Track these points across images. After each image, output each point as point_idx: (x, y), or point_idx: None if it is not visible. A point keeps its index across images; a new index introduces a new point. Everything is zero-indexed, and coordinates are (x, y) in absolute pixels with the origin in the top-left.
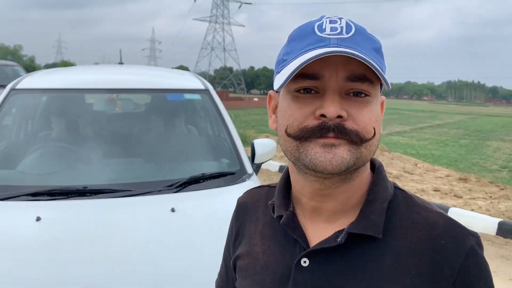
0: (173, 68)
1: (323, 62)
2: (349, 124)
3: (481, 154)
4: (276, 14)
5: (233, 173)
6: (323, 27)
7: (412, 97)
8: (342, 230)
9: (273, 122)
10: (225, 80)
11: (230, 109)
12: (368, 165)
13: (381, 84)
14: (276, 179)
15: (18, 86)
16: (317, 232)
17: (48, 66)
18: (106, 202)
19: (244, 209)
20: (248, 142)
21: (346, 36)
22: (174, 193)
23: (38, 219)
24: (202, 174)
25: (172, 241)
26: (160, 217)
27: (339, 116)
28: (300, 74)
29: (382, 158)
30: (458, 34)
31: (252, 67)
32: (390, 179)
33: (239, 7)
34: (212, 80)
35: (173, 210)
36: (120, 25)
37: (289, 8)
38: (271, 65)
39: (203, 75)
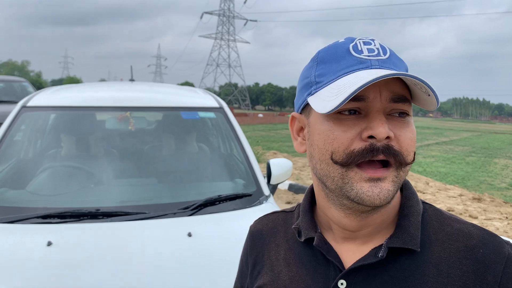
0: (178, 84)
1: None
2: (395, 145)
3: (488, 172)
4: (282, 31)
5: (249, 195)
6: (359, 48)
7: (417, 114)
8: (380, 245)
9: (300, 145)
10: (230, 96)
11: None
12: None
13: None
14: (285, 197)
15: (29, 104)
16: (350, 253)
17: (54, 82)
18: (119, 226)
19: (259, 237)
20: (262, 161)
21: (384, 57)
22: (190, 216)
23: (49, 243)
24: (218, 196)
25: (190, 267)
26: (176, 242)
27: (387, 137)
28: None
29: None
30: (462, 52)
31: (257, 83)
32: None
33: (245, 24)
34: (217, 96)
35: (189, 234)
36: (126, 42)
37: (294, 25)
38: (276, 81)
39: (208, 91)
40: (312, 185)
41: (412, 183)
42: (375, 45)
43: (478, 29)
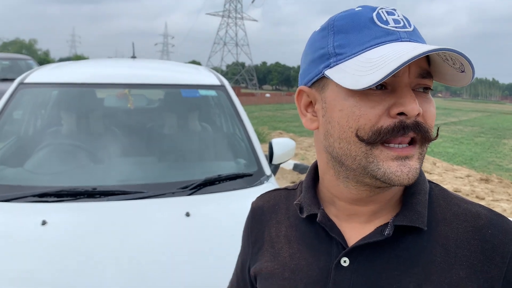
0: (185, 63)
1: None
2: (423, 121)
3: (497, 153)
4: (290, 9)
5: (250, 175)
6: (384, 18)
7: None
8: (386, 224)
9: (311, 121)
10: (237, 75)
11: (241, 105)
12: None
13: None
14: (290, 177)
15: (26, 80)
16: (354, 231)
17: (62, 60)
18: (116, 205)
19: (260, 214)
20: (261, 140)
21: (410, 29)
22: (189, 196)
23: (44, 222)
24: (218, 175)
25: (186, 247)
26: (174, 222)
27: (417, 114)
28: None
29: None
30: (474, 31)
31: (264, 63)
32: None
33: (252, 1)
34: (224, 75)
35: (188, 214)
36: (134, 20)
37: (303, 3)
38: (284, 61)
39: (215, 70)
40: (315, 162)
41: None
42: (399, 16)
43: (489, 8)
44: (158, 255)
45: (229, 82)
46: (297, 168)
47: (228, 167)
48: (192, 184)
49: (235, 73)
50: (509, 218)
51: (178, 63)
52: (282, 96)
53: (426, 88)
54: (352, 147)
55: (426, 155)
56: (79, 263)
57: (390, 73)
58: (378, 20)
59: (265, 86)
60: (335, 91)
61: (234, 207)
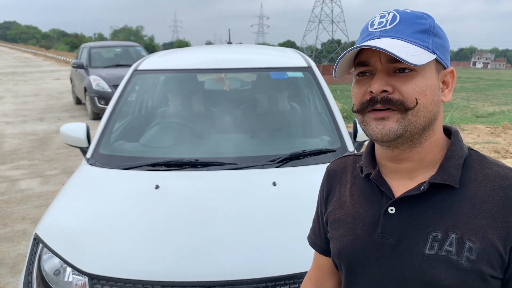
0: (280, 43)
1: (370, 51)
2: (395, 96)
3: None
4: None
5: (333, 151)
6: (374, 22)
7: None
8: (424, 182)
9: None
10: (332, 53)
11: (336, 83)
12: (437, 129)
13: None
14: None
15: (140, 67)
16: (400, 187)
17: (165, 45)
18: (215, 174)
19: (333, 175)
20: (352, 118)
21: (389, 27)
22: (276, 168)
23: (157, 187)
24: (303, 150)
25: (273, 211)
26: (263, 190)
27: (384, 91)
28: (358, 62)
29: (505, 136)
30: None
31: None
32: None
33: None
34: (319, 54)
35: (274, 184)
36: (231, 3)
37: None
38: None
39: (310, 49)
40: None
41: None
42: (387, 17)
43: None
44: (250, 215)
45: (324, 61)
46: None
47: (313, 143)
48: (279, 158)
49: (330, 51)
50: None
51: (268, 46)
52: None
53: (403, 69)
54: (356, 117)
55: None
56: (185, 219)
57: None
58: (370, 25)
59: None
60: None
61: (316, 179)
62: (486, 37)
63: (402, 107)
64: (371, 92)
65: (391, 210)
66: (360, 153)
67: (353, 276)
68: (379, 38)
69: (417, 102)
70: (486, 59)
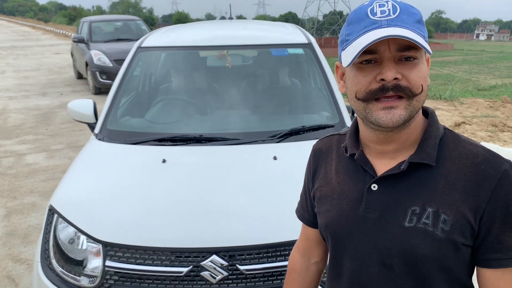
0: (281, 15)
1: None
2: (403, 83)
3: None
4: None
5: (332, 126)
6: (375, 11)
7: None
8: (404, 161)
9: (342, 87)
10: (334, 25)
11: (335, 57)
12: (420, 111)
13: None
14: None
15: (143, 45)
16: (382, 166)
17: (165, 17)
18: (218, 149)
19: (319, 153)
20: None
21: (393, 16)
22: (277, 143)
23: (164, 161)
24: (302, 126)
25: (273, 183)
26: (264, 163)
27: (395, 78)
28: (365, 50)
29: (504, 109)
30: None
31: None
32: None
33: None
34: (320, 25)
35: (275, 158)
36: None
37: None
38: None
39: (312, 21)
40: None
41: None
42: (387, 6)
43: None
44: (252, 187)
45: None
46: None
47: (312, 119)
48: (280, 133)
49: (332, 23)
50: (505, 158)
51: (270, 22)
52: None
53: (409, 57)
54: (355, 104)
55: None
56: (192, 190)
57: (357, 54)
58: (370, 13)
59: None
60: (348, 67)
61: None
62: (490, 8)
63: (410, 94)
64: (382, 80)
65: (374, 187)
66: (344, 132)
67: (340, 247)
68: (387, 27)
69: (422, 88)
70: (490, 31)
